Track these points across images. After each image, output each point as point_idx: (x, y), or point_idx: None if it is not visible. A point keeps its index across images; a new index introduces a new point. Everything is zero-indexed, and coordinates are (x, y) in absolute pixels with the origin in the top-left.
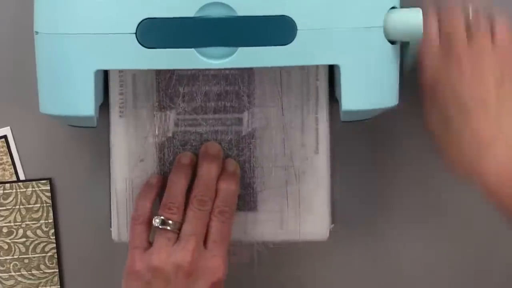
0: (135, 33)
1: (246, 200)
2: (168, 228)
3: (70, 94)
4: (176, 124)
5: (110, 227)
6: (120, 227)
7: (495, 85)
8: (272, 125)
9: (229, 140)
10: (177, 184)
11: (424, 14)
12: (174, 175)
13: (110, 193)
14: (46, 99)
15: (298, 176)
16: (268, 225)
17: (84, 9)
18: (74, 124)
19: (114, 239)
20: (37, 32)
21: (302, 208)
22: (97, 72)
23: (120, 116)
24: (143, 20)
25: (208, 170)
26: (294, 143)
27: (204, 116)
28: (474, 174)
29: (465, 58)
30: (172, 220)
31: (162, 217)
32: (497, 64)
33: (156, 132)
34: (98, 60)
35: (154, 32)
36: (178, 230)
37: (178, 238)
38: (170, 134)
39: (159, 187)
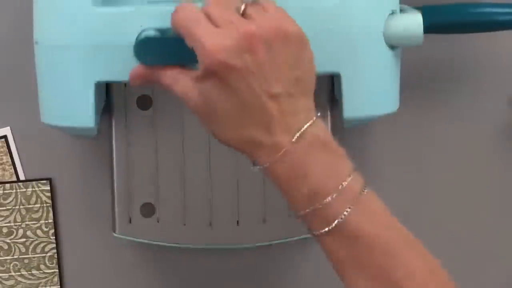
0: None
1: None
2: None
3: (70, 105)
4: None
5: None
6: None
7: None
8: None
9: None
10: None
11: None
12: None
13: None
14: (46, 109)
15: None
16: None
17: (83, 21)
18: (74, 133)
19: None
20: (37, 42)
21: None
22: (97, 84)
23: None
24: (142, 31)
25: None
26: None
27: None
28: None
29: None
30: None
31: None
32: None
33: None
34: (98, 72)
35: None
36: None
37: None
38: None
39: None
